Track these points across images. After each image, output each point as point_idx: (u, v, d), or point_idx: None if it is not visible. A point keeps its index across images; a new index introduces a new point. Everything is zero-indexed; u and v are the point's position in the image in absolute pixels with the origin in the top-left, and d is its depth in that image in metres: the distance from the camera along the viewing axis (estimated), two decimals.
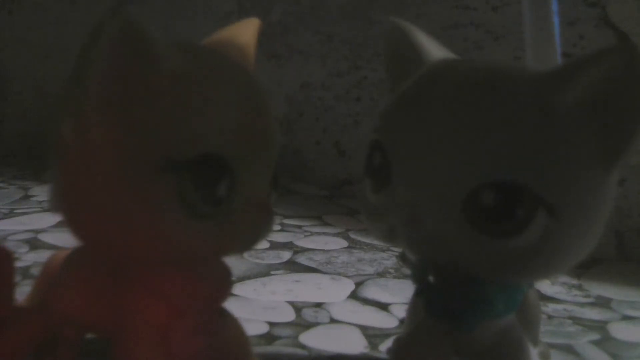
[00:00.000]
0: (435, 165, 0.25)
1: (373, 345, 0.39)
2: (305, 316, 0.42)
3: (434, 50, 0.30)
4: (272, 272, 0.50)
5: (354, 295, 0.46)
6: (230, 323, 0.32)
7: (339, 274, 0.51)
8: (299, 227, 0.63)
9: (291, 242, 0.58)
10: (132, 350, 0.29)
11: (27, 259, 0.50)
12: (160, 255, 0.28)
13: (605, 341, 0.41)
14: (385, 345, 0.39)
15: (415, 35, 0.30)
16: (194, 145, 0.25)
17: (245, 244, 0.28)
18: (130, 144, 0.25)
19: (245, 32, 0.32)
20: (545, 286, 0.50)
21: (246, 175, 0.26)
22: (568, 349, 0.40)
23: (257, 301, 0.44)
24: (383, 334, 0.40)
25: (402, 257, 0.30)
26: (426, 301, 0.29)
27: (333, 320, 0.42)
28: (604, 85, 0.25)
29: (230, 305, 0.42)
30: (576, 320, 0.44)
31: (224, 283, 0.30)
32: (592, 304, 0.47)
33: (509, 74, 0.27)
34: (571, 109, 0.25)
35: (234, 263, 0.51)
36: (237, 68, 0.28)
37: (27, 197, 0.68)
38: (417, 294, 0.30)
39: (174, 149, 0.25)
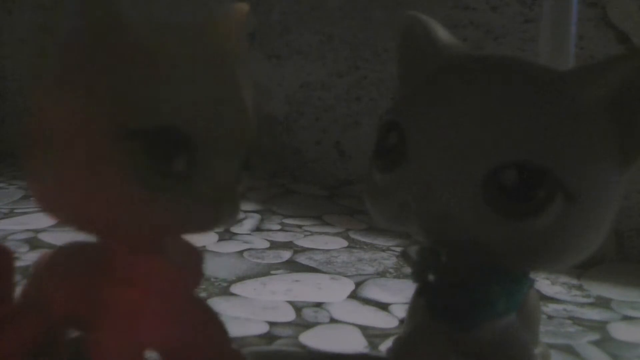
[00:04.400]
0: (457, 142, 0.26)
1: (373, 345, 0.39)
2: (305, 316, 0.42)
3: (453, 44, 0.30)
4: (272, 272, 0.50)
5: (354, 295, 0.46)
6: (205, 312, 0.32)
7: (339, 273, 0.51)
8: (299, 226, 0.63)
9: (291, 242, 0.58)
10: (101, 337, 0.30)
11: (27, 258, 0.50)
12: (120, 227, 0.28)
13: (605, 341, 0.41)
14: (385, 345, 0.39)
15: (432, 27, 0.31)
16: (152, 116, 0.26)
17: (203, 224, 0.28)
18: (89, 110, 0.26)
19: (230, 17, 0.32)
20: (545, 286, 0.50)
21: (210, 154, 0.26)
22: (568, 349, 0.40)
23: (257, 301, 0.44)
24: (383, 334, 0.40)
25: (404, 254, 0.30)
26: (426, 301, 0.29)
27: (333, 320, 0.42)
28: (627, 86, 0.26)
29: (230, 304, 0.42)
30: (576, 320, 0.44)
31: (193, 270, 0.31)
32: (592, 304, 0.47)
33: (538, 67, 0.28)
34: (597, 106, 0.26)
35: (234, 263, 0.51)
36: (212, 50, 0.28)
37: (27, 197, 0.68)
38: (418, 293, 0.30)
39: (130, 118, 0.26)
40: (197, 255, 0.31)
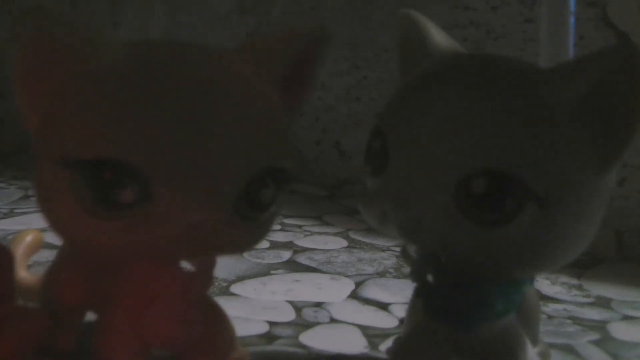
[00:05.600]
0: (430, 152, 0.25)
1: (373, 345, 0.39)
2: (305, 316, 0.42)
3: (442, 42, 0.30)
4: (272, 272, 0.50)
5: (354, 295, 0.46)
6: (214, 314, 0.33)
7: (339, 273, 0.51)
8: (299, 226, 0.63)
9: (291, 242, 0.58)
10: (105, 334, 0.30)
11: None
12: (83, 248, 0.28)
13: (605, 341, 0.41)
14: (385, 345, 0.39)
15: (424, 27, 0.30)
16: (91, 147, 0.24)
17: (175, 254, 0.27)
18: (38, 137, 0.27)
19: (282, 41, 0.30)
20: (545, 286, 0.50)
21: (168, 186, 0.24)
22: (568, 349, 0.40)
23: (257, 301, 0.44)
24: (383, 334, 0.40)
25: (403, 253, 0.30)
26: (425, 301, 0.29)
27: (333, 320, 0.42)
28: (604, 85, 0.25)
29: (230, 304, 0.42)
30: (576, 320, 0.44)
31: (204, 273, 0.31)
32: (592, 304, 0.47)
33: (509, 69, 0.27)
34: (570, 107, 0.25)
35: (234, 263, 0.51)
36: (189, 71, 0.26)
37: (27, 197, 0.68)
38: (417, 294, 0.30)
39: (70, 147, 0.25)
40: (209, 259, 0.31)
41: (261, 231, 0.29)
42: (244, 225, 0.26)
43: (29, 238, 0.43)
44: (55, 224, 0.28)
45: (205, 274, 0.31)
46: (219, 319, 0.33)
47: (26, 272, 0.40)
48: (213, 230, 0.25)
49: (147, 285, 0.29)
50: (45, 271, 0.35)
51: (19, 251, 0.41)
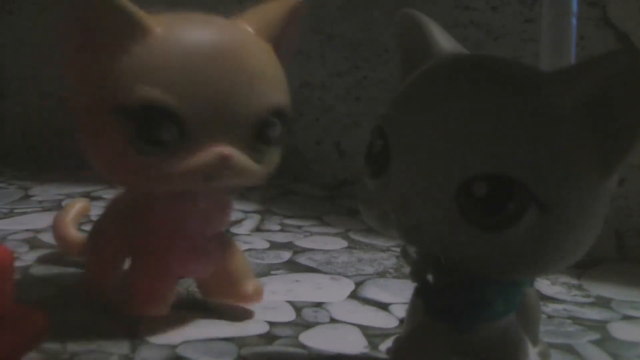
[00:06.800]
0: (432, 154, 0.25)
1: (373, 345, 0.39)
2: (305, 316, 0.42)
3: (445, 42, 0.30)
4: (272, 272, 0.50)
5: (353, 295, 0.46)
6: (230, 249, 0.40)
7: (339, 274, 0.51)
8: (299, 227, 0.63)
9: (291, 242, 0.58)
10: (139, 270, 0.37)
11: (27, 258, 0.50)
12: (128, 185, 0.37)
13: (605, 341, 0.41)
14: (385, 345, 0.39)
15: (426, 26, 0.30)
16: (139, 94, 0.31)
17: (197, 181, 0.33)
18: (89, 89, 0.33)
19: (273, 9, 0.38)
20: (545, 286, 0.50)
21: (200, 126, 0.32)
22: (568, 349, 0.40)
23: None
24: (383, 334, 0.40)
25: (403, 253, 0.30)
26: (425, 301, 0.29)
27: (333, 320, 0.42)
28: (607, 89, 0.25)
29: (230, 305, 0.42)
30: (576, 320, 0.44)
31: (221, 213, 0.38)
32: (592, 304, 0.47)
33: (512, 72, 0.27)
34: (572, 111, 0.25)
35: None
36: (211, 35, 0.33)
37: (27, 197, 0.69)
38: (417, 294, 0.30)
39: (121, 95, 0.32)
40: (225, 201, 0.38)
41: (268, 164, 0.36)
42: (256, 157, 0.34)
43: (78, 205, 0.52)
44: (105, 165, 0.34)
45: (222, 212, 0.38)
46: (235, 253, 0.40)
47: (76, 232, 0.49)
48: (234, 160, 0.33)
49: (170, 224, 0.36)
50: (90, 228, 0.42)
51: (71, 214, 0.50)
